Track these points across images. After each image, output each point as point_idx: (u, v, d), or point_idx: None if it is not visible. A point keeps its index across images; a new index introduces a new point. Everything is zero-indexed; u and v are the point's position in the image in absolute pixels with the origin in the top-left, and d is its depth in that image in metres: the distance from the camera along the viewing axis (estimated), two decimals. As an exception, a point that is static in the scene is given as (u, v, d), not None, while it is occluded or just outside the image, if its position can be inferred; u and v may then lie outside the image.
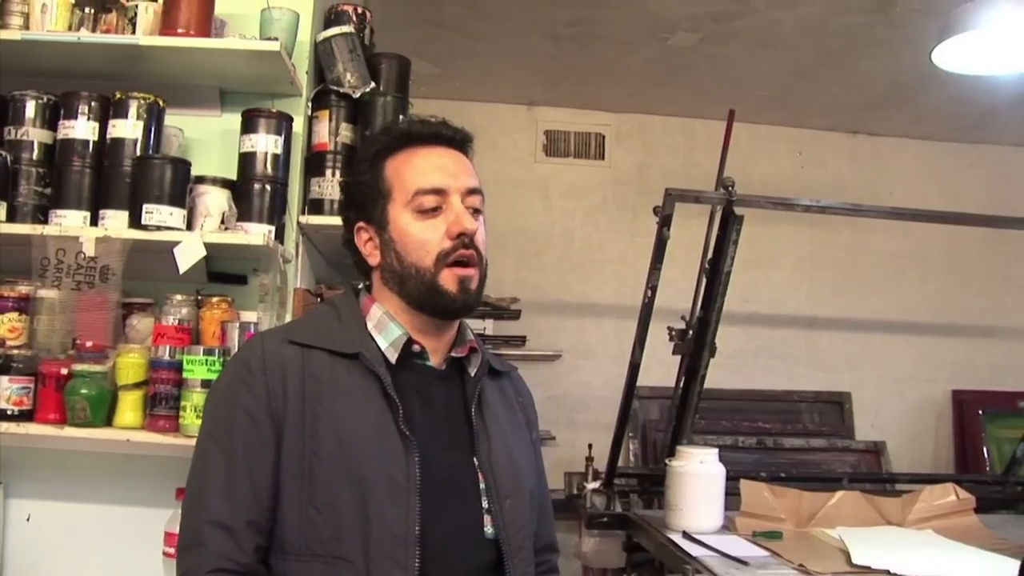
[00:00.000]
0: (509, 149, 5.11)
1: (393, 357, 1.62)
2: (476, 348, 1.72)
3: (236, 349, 2.26)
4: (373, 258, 1.68)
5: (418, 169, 1.65)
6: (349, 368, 1.58)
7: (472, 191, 1.67)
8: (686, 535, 2.96)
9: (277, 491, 1.52)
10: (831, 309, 5.23)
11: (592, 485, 3.66)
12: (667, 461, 3.17)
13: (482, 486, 1.62)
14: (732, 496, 3.22)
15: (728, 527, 3.13)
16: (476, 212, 1.68)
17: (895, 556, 2.70)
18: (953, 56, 3.16)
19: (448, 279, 1.60)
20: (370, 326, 1.65)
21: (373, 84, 2.67)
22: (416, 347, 1.64)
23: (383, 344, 1.63)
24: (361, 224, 1.69)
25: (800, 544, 2.96)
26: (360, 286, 1.75)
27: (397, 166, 1.66)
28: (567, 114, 5.17)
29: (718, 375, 4.21)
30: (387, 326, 1.65)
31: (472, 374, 1.70)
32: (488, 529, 1.60)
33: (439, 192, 1.62)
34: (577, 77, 4.72)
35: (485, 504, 1.61)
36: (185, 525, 1.54)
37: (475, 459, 1.63)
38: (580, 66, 4.55)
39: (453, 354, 1.69)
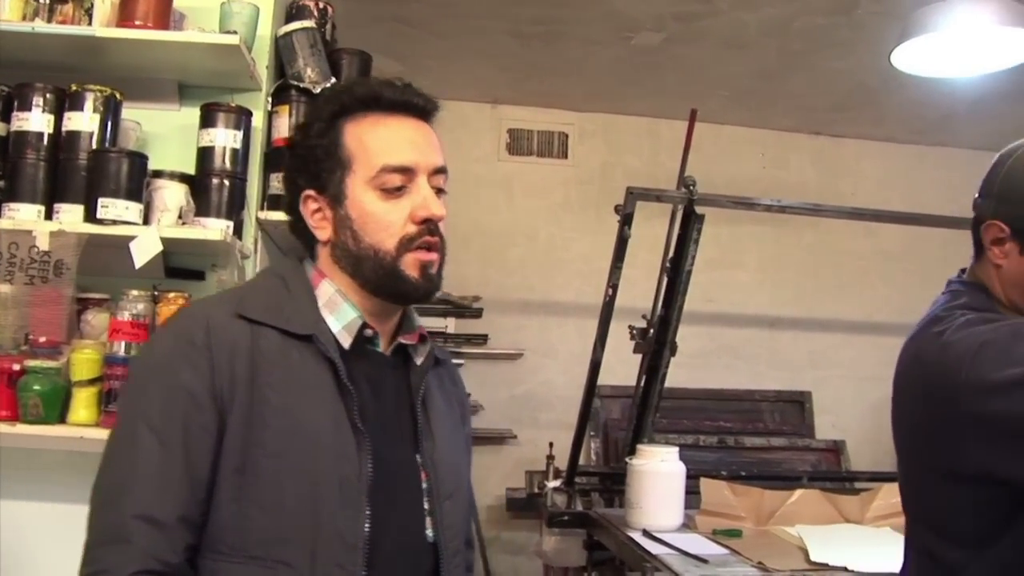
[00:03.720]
0: (473, 147, 5.10)
1: (346, 342, 1.47)
2: (425, 336, 1.57)
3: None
4: (322, 232, 1.50)
5: (385, 142, 1.47)
6: (302, 351, 1.41)
7: (439, 170, 1.51)
8: (646, 533, 2.97)
9: (213, 484, 1.35)
10: (793, 309, 5.26)
11: (553, 484, 3.66)
12: (627, 460, 3.18)
13: (424, 486, 1.49)
14: (693, 494, 3.24)
15: (688, 525, 3.15)
16: (440, 192, 1.52)
17: (853, 553, 2.73)
18: (912, 58, 3.19)
19: (410, 264, 1.45)
20: (320, 304, 1.48)
21: (334, 79, 2.65)
22: (369, 331, 1.49)
23: (335, 326, 1.47)
24: (311, 193, 1.49)
25: (760, 542, 2.99)
26: (304, 258, 1.57)
27: (360, 134, 1.47)
28: (531, 113, 5.17)
29: (680, 374, 4.23)
30: (340, 306, 1.48)
31: (419, 363, 1.55)
32: (429, 532, 1.48)
33: (407, 171, 1.46)
34: (541, 76, 4.72)
35: (426, 505, 1.49)
36: (102, 519, 1.34)
37: (418, 456, 1.50)
38: (544, 65, 4.55)
39: (401, 340, 1.54)
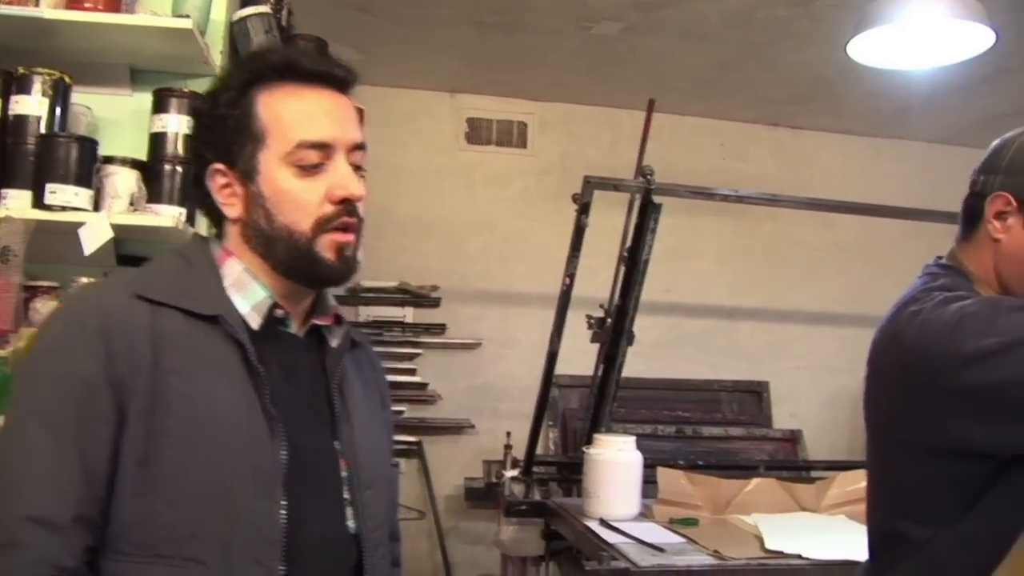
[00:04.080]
0: (432, 137, 5.08)
1: (256, 323, 1.38)
2: (341, 317, 1.50)
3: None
4: (231, 209, 1.40)
5: (302, 115, 1.37)
6: (208, 333, 1.32)
7: (358, 146, 1.42)
8: (603, 522, 2.97)
9: (113, 478, 1.26)
10: (752, 300, 5.29)
11: (510, 473, 3.66)
12: (584, 449, 3.18)
13: (344, 474, 1.42)
14: (650, 484, 3.25)
15: (645, 514, 3.16)
16: (358, 169, 1.42)
17: (807, 541, 2.75)
18: (868, 50, 3.20)
19: (327, 246, 1.37)
20: (227, 284, 1.39)
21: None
22: (280, 312, 1.41)
23: (243, 307, 1.38)
24: (220, 167, 1.39)
25: (716, 531, 3.00)
26: (210, 236, 1.48)
27: (274, 105, 1.38)
28: (490, 102, 5.15)
29: (639, 364, 4.23)
30: (249, 286, 1.39)
31: (334, 346, 1.47)
32: (350, 523, 1.41)
33: (324, 147, 1.37)
34: (501, 65, 4.70)
35: (346, 495, 1.41)
36: None
37: (336, 443, 1.43)
38: (504, 54, 4.53)
39: (315, 322, 1.47)
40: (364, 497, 1.42)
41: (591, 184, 3.02)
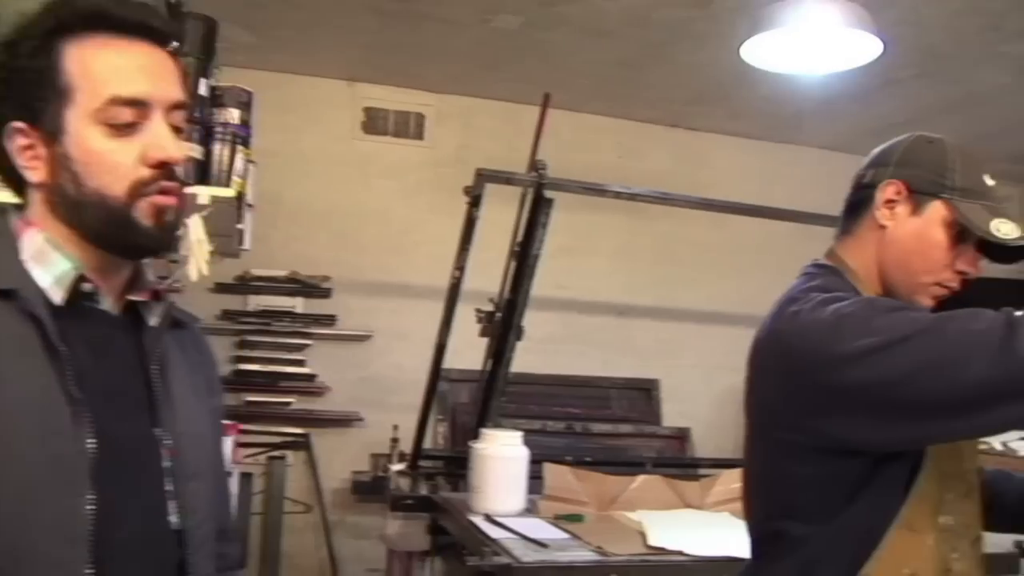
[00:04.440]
0: (329, 125, 5.00)
1: (58, 297, 1.24)
2: (160, 294, 1.38)
3: None
4: (34, 173, 1.25)
5: (115, 68, 1.24)
6: (0, 310, 1.19)
7: (178, 105, 1.28)
8: (488, 518, 2.96)
9: None
10: (645, 298, 5.32)
11: (397, 467, 3.62)
12: (471, 444, 3.16)
13: (166, 464, 1.29)
14: (538, 479, 3.24)
15: (531, 510, 3.14)
16: (178, 131, 1.29)
17: (690, 538, 2.76)
18: (762, 53, 3.24)
19: (145, 211, 1.25)
20: (25, 256, 1.24)
21: (175, 43, 2.53)
22: (88, 286, 1.27)
23: (44, 280, 1.24)
24: (20, 126, 1.24)
25: (601, 527, 3.00)
26: (8, 208, 1.33)
27: (83, 57, 1.23)
28: (388, 92, 5.08)
29: (530, 360, 4.22)
30: (50, 257, 1.25)
31: (153, 324, 1.34)
32: (173, 518, 1.28)
33: (139, 104, 1.23)
34: (400, 55, 4.64)
35: (169, 487, 1.28)
36: None
37: (158, 430, 1.29)
38: (404, 44, 4.48)
39: (132, 297, 1.34)
40: (188, 489, 1.30)
41: (483, 177, 3.00)
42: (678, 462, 4.27)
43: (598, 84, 4.86)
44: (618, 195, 3.39)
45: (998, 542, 2.89)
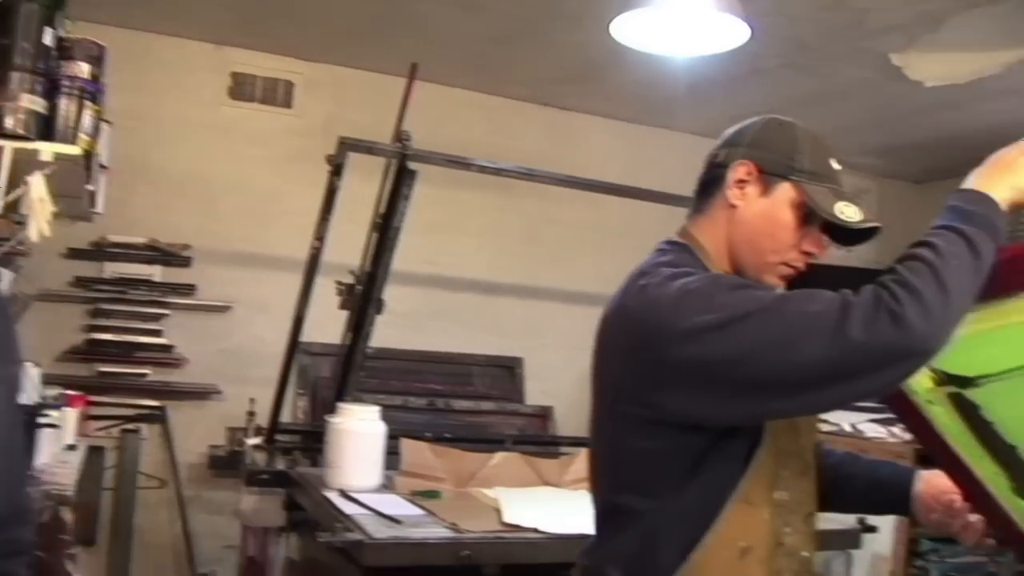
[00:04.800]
0: (193, 89, 4.83)
1: None
2: None
3: None
4: None
5: None
6: None
7: None
8: (343, 493, 2.92)
9: None
10: (512, 276, 5.32)
11: (252, 441, 3.54)
12: (327, 418, 3.11)
13: None
14: (396, 455, 3.22)
15: (388, 486, 3.11)
16: None
17: (546, 515, 2.77)
18: (632, 32, 3.24)
19: None
20: None
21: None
22: None
23: None
24: None
25: (457, 503, 2.99)
26: None
27: None
28: (257, 57, 4.94)
29: (394, 335, 4.18)
30: None
31: None
32: None
33: None
34: (270, 20, 4.51)
35: None
36: None
37: None
38: (274, 9, 4.35)
39: None
40: None
41: (346, 145, 2.94)
42: (538, 440, 4.29)
43: (471, 59, 4.81)
44: (483, 169, 3.37)
45: (841, 518, 2.98)
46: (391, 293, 3.61)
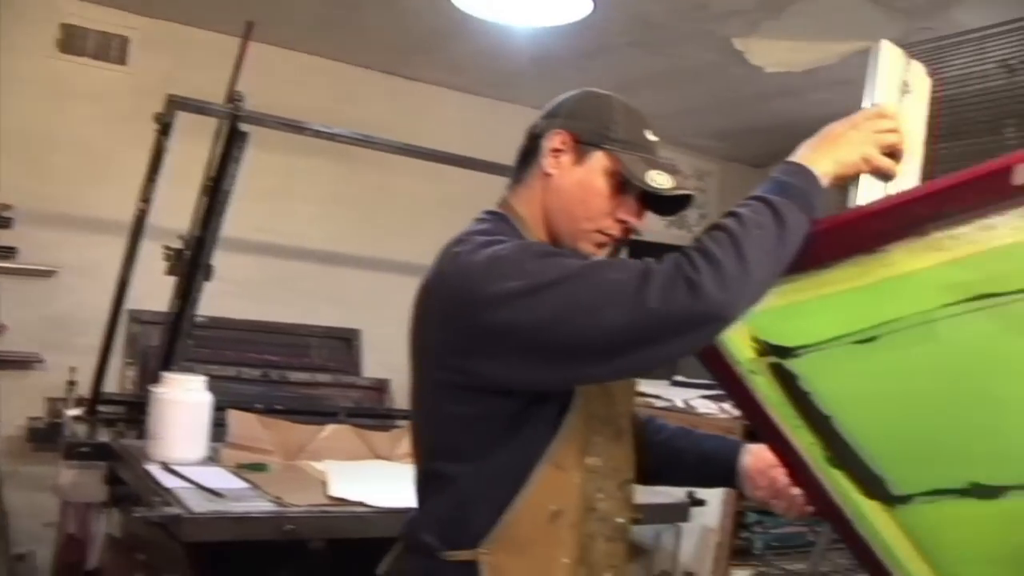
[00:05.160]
0: (19, 39, 4.56)
1: None
2: None
3: None
4: None
5: None
6: None
7: None
8: (165, 466, 2.83)
9: None
10: (351, 246, 5.23)
11: (73, 412, 3.40)
12: (151, 388, 3.01)
13: None
14: (224, 427, 3.14)
15: (214, 459, 3.04)
16: None
17: (373, 488, 2.75)
18: (474, 1, 3.21)
19: None
20: None
21: None
22: None
23: None
24: None
25: (284, 476, 2.94)
26: None
27: None
28: (90, 9, 4.70)
29: (230, 304, 4.08)
30: None
31: None
32: None
33: None
34: (102, -30, 4.32)
35: None
36: None
37: None
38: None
39: None
40: None
41: (175, 104, 2.84)
42: (372, 413, 4.25)
43: (315, 23, 4.69)
44: (318, 134, 3.31)
45: (671, 492, 3.06)
46: (227, 261, 3.50)
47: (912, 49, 1.74)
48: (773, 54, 4.39)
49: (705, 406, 3.65)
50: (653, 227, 2.10)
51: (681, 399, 3.71)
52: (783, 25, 4.08)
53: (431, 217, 5.31)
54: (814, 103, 4.87)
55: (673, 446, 1.96)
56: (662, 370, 3.51)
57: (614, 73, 4.80)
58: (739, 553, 3.30)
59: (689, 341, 1.42)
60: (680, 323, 1.38)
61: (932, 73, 1.73)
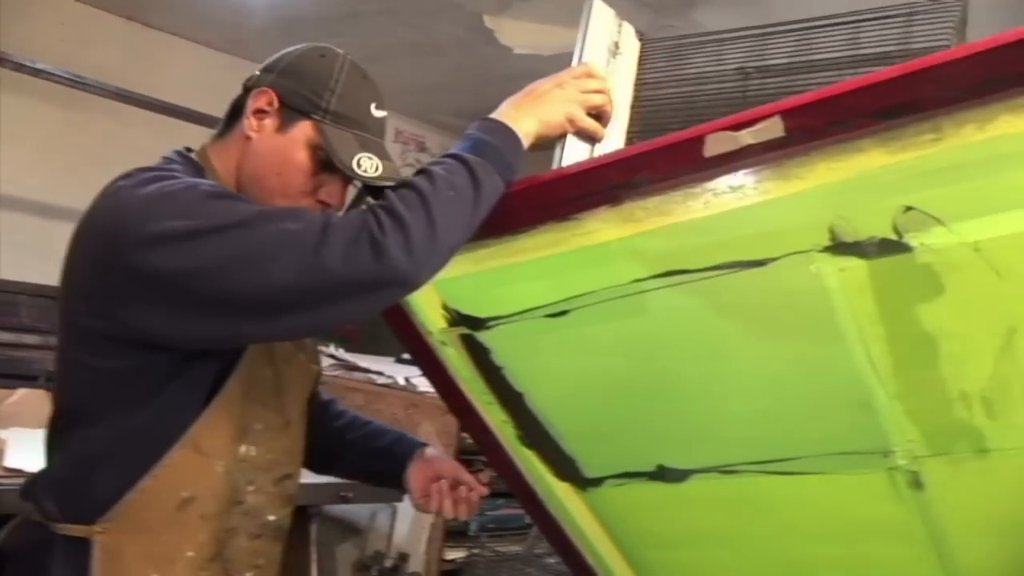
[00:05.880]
0: None
1: None
2: None
3: None
4: None
5: None
6: None
7: None
8: None
9: None
10: (74, 199, 4.72)
11: None
12: None
13: None
14: None
15: None
16: None
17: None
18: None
19: None
20: None
21: None
22: None
23: None
24: None
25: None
26: None
27: None
28: None
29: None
30: None
31: None
32: None
33: None
34: None
35: None
36: None
37: None
38: None
39: None
40: None
41: None
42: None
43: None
44: (19, 68, 3.00)
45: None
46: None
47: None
48: (523, 36, 4.37)
49: (426, 385, 3.56)
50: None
51: (403, 376, 3.59)
52: (534, 8, 4.06)
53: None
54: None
55: (344, 437, 1.86)
56: (390, 347, 3.39)
57: (362, 40, 4.64)
58: (454, 535, 3.23)
59: (365, 305, 1.30)
60: (357, 286, 1.27)
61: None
